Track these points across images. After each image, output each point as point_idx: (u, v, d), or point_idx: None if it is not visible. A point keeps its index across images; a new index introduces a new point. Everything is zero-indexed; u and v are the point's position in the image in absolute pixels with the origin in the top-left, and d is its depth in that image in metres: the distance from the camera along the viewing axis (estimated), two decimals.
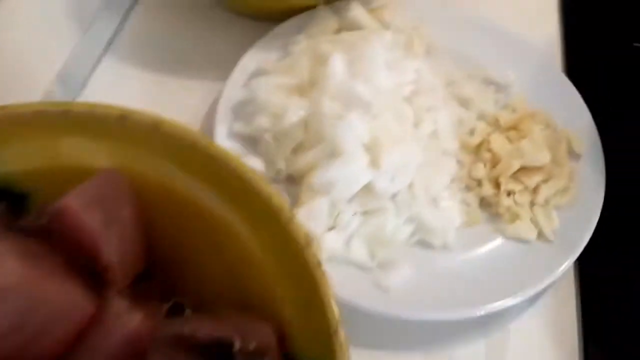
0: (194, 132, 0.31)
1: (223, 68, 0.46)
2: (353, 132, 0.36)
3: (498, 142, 0.41)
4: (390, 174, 0.37)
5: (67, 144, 0.32)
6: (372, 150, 0.37)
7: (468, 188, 0.41)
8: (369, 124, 0.37)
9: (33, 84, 0.47)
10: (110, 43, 0.50)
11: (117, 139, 0.32)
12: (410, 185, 0.38)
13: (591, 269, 0.39)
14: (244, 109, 0.41)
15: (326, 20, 0.46)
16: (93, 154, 0.33)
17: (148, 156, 0.32)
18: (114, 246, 0.30)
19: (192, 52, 0.49)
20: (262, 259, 0.30)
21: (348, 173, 0.36)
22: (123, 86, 0.47)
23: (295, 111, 0.38)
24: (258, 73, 0.43)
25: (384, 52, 0.40)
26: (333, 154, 0.37)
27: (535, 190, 0.39)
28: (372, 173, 0.37)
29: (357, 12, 0.46)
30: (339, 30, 0.47)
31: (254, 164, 0.39)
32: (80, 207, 0.29)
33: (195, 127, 0.45)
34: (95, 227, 0.29)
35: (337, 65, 0.38)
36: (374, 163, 0.37)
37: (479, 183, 0.40)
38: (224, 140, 0.40)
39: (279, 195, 0.29)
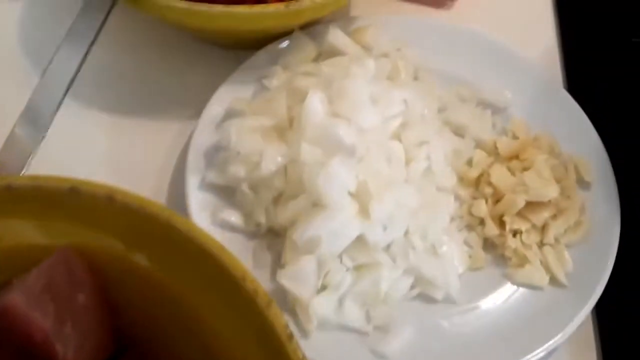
0: (152, 205, 0.27)
1: (195, 105, 0.42)
2: (337, 180, 0.32)
3: (499, 175, 0.37)
4: (382, 223, 0.33)
5: (11, 222, 0.28)
6: (360, 199, 0.33)
7: (469, 227, 0.37)
8: (355, 168, 0.33)
9: None
10: (72, 80, 0.46)
11: (68, 214, 0.29)
12: (406, 233, 0.34)
13: (611, 315, 0.35)
14: (217, 156, 0.37)
15: (303, 47, 0.42)
16: (43, 232, 0.29)
17: (103, 232, 0.28)
18: (70, 340, 0.27)
19: (161, 88, 0.45)
20: (237, 348, 0.26)
21: (335, 227, 0.32)
22: (88, 127, 0.44)
23: (272, 158, 0.34)
24: (231, 114, 0.39)
25: (367, 85, 0.36)
26: (316, 205, 0.33)
27: (543, 228, 0.36)
28: (362, 224, 0.33)
29: (336, 37, 0.42)
30: (318, 57, 0.43)
31: (230, 217, 0.36)
32: (27, 304, 0.26)
33: (167, 176, 0.41)
34: (46, 325, 0.26)
35: (315, 104, 0.34)
36: (363, 213, 0.33)
37: (481, 222, 0.37)
38: (196, 193, 0.36)
39: (253, 279, 0.25)
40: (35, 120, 0.44)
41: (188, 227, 0.26)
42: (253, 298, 0.25)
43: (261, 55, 0.42)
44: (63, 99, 0.45)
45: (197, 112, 0.41)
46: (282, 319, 0.24)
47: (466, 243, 0.37)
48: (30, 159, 0.42)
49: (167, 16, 0.37)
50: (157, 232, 0.27)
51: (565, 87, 0.44)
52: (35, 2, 0.49)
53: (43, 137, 0.43)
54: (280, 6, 0.36)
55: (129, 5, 0.38)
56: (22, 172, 0.41)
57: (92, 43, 0.48)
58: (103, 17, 0.49)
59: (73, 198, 0.28)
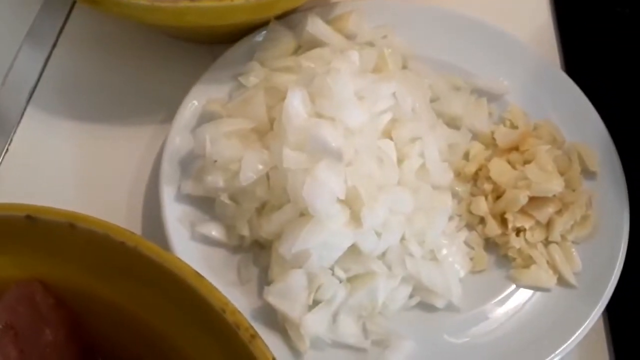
0: (119, 231, 0.24)
1: (169, 107, 0.39)
2: (324, 187, 0.30)
3: (499, 169, 0.34)
4: (376, 230, 0.31)
5: None
6: (351, 206, 0.31)
7: (469, 226, 0.35)
8: (343, 173, 0.30)
9: None
10: (35, 87, 0.43)
11: (27, 244, 0.26)
12: (402, 239, 0.32)
13: (624, 315, 0.32)
14: (193, 164, 0.34)
15: (281, 39, 0.39)
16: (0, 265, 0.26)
17: (67, 262, 0.26)
18: None
19: (131, 91, 0.42)
20: None
21: (324, 238, 0.30)
22: (54, 137, 0.40)
23: (252, 166, 0.31)
24: (206, 117, 0.36)
25: (352, 79, 0.33)
26: (304, 215, 0.30)
27: (548, 224, 0.33)
28: (354, 233, 0.30)
29: (316, 26, 0.38)
30: (298, 49, 0.40)
31: (211, 231, 0.33)
32: None
33: (142, 186, 0.38)
34: None
35: (296, 105, 0.31)
36: (355, 221, 0.30)
37: (482, 220, 0.34)
38: (172, 205, 0.33)
39: (234, 311, 0.22)
40: None
41: (159, 255, 0.24)
42: (235, 332, 0.22)
43: (237, 49, 0.39)
44: (26, 107, 0.42)
45: (171, 115, 0.37)
46: (267, 354, 0.22)
47: (467, 244, 0.35)
48: None
49: (130, 14, 0.34)
50: (126, 260, 0.24)
51: (563, 69, 0.42)
52: None
53: (6, 151, 0.40)
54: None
55: (89, 7, 0.35)
56: None
57: (54, 45, 0.44)
58: (65, 16, 0.46)
59: (30, 227, 0.25)
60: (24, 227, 0.25)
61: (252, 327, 0.22)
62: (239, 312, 0.22)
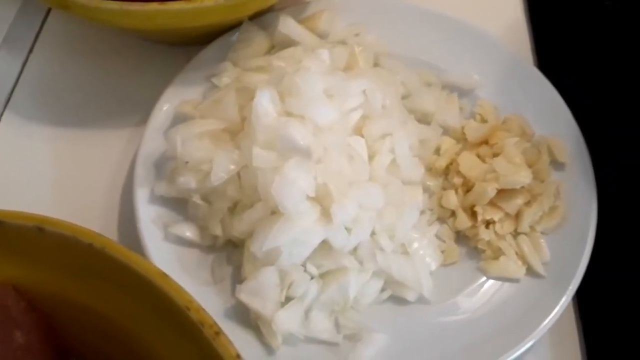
0: (86, 233, 0.25)
1: (145, 109, 0.39)
2: (293, 185, 0.30)
3: (468, 163, 0.35)
4: (346, 226, 0.31)
5: None
6: (321, 202, 0.31)
7: (441, 220, 0.35)
8: (313, 170, 0.31)
9: None
10: (11, 92, 0.43)
11: None
12: (372, 234, 0.32)
13: (593, 301, 0.33)
14: (165, 166, 0.35)
15: (254, 39, 0.39)
16: None
17: (37, 265, 0.26)
18: None
19: (107, 94, 0.42)
20: None
21: (295, 235, 0.30)
22: (30, 142, 0.40)
23: (223, 166, 0.32)
24: (179, 118, 0.36)
25: (322, 78, 0.33)
26: (275, 213, 0.31)
27: (517, 216, 0.34)
28: (325, 229, 0.31)
29: (288, 26, 0.39)
30: (271, 49, 0.40)
31: (184, 231, 0.33)
32: None
33: (118, 190, 0.39)
34: None
35: (265, 104, 0.31)
36: (325, 217, 0.31)
37: (453, 214, 0.35)
38: (145, 207, 0.34)
39: (198, 308, 0.23)
40: None
41: (126, 256, 0.24)
42: (199, 329, 0.23)
43: (210, 50, 0.39)
44: (2, 113, 0.42)
45: (147, 117, 0.38)
46: (231, 350, 0.22)
47: (438, 237, 0.35)
48: None
49: (100, 18, 0.34)
50: (95, 262, 0.25)
51: (535, 64, 0.42)
52: None
53: None
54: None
55: (60, 10, 0.35)
56: None
57: (31, 50, 0.45)
58: (41, 21, 0.46)
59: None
60: None
61: (216, 324, 0.23)
62: (203, 309, 0.23)
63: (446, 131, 0.38)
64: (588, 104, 0.39)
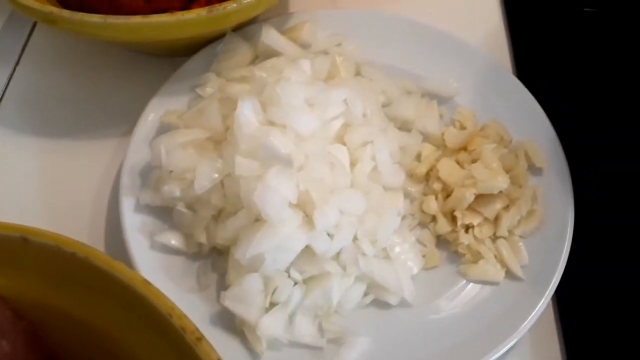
0: (70, 243, 0.25)
1: (131, 120, 0.40)
2: (275, 193, 0.31)
3: (447, 169, 0.35)
4: (328, 232, 0.32)
5: None
6: (303, 209, 0.32)
7: (422, 224, 0.36)
8: (294, 178, 0.32)
9: None
10: None
11: None
12: (355, 239, 0.33)
13: (572, 301, 0.34)
14: (150, 175, 0.35)
15: (238, 50, 0.40)
16: None
17: (22, 275, 0.26)
18: None
19: (94, 105, 0.43)
20: None
21: (278, 241, 0.31)
22: (17, 154, 0.41)
23: (206, 175, 0.32)
24: (164, 128, 0.37)
25: (302, 88, 0.34)
26: (258, 220, 0.31)
27: (496, 220, 0.34)
28: (307, 235, 0.31)
29: (270, 37, 0.40)
30: (255, 59, 0.41)
31: (169, 239, 0.34)
32: None
33: (104, 200, 0.39)
34: None
35: (247, 113, 0.32)
36: (308, 224, 0.31)
37: (433, 218, 0.35)
38: (131, 215, 0.34)
39: (180, 315, 0.23)
40: None
41: (109, 264, 0.25)
42: (181, 335, 0.23)
43: (195, 61, 0.40)
44: None
45: (133, 128, 0.38)
46: (213, 355, 0.23)
47: (419, 241, 0.36)
48: None
49: (84, 31, 0.35)
50: (78, 271, 0.25)
51: (514, 72, 0.43)
52: None
53: None
54: (202, 12, 0.34)
55: (46, 24, 0.36)
56: None
57: (17, 63, 0.45)
58: (27, 34, 0.47)
59: None
60: None
61: (198, 330, 0.23)
62: (185, 316, 0.23)
63: (426, 138, 0.39)
64: (566, 111, 0.40)
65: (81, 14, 0.34)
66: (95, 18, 0.34)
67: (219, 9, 0.34)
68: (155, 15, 0.34)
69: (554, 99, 0.40)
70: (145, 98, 0.39)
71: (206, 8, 0.34)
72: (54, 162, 0.40)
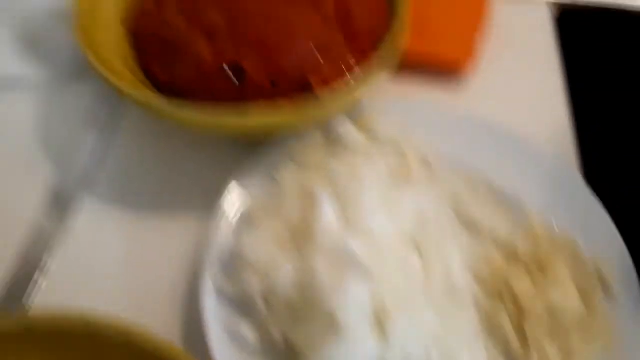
0: (166, 348, 0.26)
1: (208, 200, 0.40)
2: (354, 302, 0.31)
3: (521, 284, 0.35)
4: (401, 346, 0.32)
5: None
6: (377, 319, 0.32)
7: (492, 338, 0.35)
8: (372, 287, 0.32)
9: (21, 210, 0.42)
10: (93, 176, 0.44)
11: (82, 354, 0.28)
12: (427, 355, 0.33)
13: None
14: (232, 263, 0.36)
15: (312, 137, 0.41)
16: None
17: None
18: None
19: (176, 188, 0.43)
20: None
21: (352, 351, 0.31)
22: (103, 234, 0.41)
23: (286, 272, 0.33)
24: (244, 216, 0.38)
25: (378, 188, 0.35)
26: (333, 327, 0.32)
27: (567, 349, 0.34)
28: (380, 347, 0.32)
29: (344, 127, 0.41)
30: (328, 146, 0.42)
31: (246, 332, 0.34)
32: None
33: (185, 282, 0.39)
34: None
35: (328, 215, 0.33)
36: (381, 334, 0.32)
37: (504, 336, 0.35)
38: (212, 303, 0.35)
39: None
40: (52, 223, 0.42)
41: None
42: None
43: (271, 146, 0.41)
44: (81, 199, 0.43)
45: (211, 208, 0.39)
46: None
47: (487, 349, 0.36)
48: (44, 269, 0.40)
49: (176, 123, 0.37)
50: None
51: (580, 171, 0.43)
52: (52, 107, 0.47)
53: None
54: (293, 110, 0.35)
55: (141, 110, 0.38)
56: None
57: (113, 138, 0.46)
58: (122, 112, 0.47)
59: (85, 333, 0.27)
60: (80, 337, 0.27)
61: None
62: None
63: (496, 244, 0.38)
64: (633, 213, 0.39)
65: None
66: (188, 113, 0.35)
67: (309, 109, 0.36)
68: (251, 116, 0.36)
69: (623, 201, 0.40)
70: (224, 181, 0.40)
71: (297, 105, 0.36)
72: (136, 243, 0.41)
